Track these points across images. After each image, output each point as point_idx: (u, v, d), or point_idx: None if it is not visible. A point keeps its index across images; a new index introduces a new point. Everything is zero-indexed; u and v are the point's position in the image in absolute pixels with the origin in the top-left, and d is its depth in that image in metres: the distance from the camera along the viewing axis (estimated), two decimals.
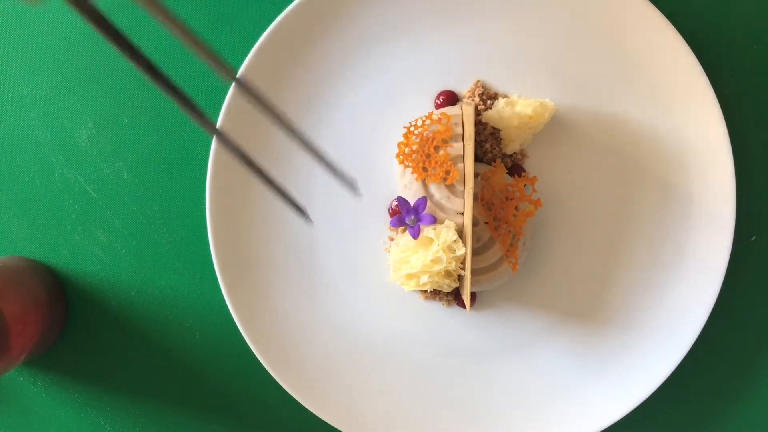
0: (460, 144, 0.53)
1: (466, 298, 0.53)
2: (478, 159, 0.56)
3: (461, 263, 0.52)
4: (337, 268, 0.58)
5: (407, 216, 0.53)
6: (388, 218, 0.58)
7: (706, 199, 0.56)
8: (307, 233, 0.58)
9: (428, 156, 0.53)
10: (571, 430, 0.56)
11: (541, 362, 0.57)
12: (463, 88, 0.57)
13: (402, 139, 0.54)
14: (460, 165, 0.53)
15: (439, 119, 0.53)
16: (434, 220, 0.53)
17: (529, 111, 0.54)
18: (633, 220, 0.57)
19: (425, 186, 0.54)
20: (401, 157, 0.53)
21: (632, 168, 0.57)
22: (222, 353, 0.60)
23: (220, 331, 0.60)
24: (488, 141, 0.55)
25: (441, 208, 0.54)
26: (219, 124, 0.56)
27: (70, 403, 0.61)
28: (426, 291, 0.57)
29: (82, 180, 0.60)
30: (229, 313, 0.58)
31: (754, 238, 0.59)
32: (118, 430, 0.61)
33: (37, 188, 0.60)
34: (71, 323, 0.60)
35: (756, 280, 0.59)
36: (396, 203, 0.55)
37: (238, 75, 0.55)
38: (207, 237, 0.60)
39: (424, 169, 0.53)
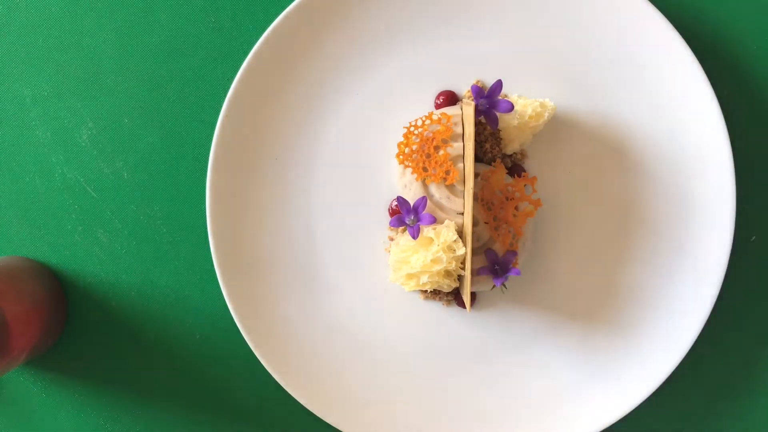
0: (460, 144, 0.53)
1: (466, 298, 0.53)
2: (478, 159, 0.55)
3: (461, 263, 0.52)
4: (337, 268, 0.58)
5: (407, 216, 0.53)
6: (388, 218, 0.58)
7: (706, 199, 0.56)
8: (307, 233, 0.58)
9: (428, 156, 0.53)
10: (571, 430, 0.56)
11: (541, 362, 0.57)
12: (463, 88, 0.57)
13: (402, 139, 0.54)
14: (460, 165, 0.53)
15: (439, 119, 0.53)
16: (434, 220, 0.52)
17: (529, 111, 0.54)
18: (633, 220, 0.57)
19: (425, 186, 0.54)
20: (401, 157, 0.53)
21: (632, 168, 0.57)
22: (222, 353, 0.60)
23: (220, 331, 0.60)
24: (488, 141, 0.55)
25: (441, 208, 0.54)
26: (219, 123, 0.56)
27: (70, 403, 0.61)
28: (426, 291, 0.57)
29: (82, 180, 0.60)
30: (229, 313, 0.58)
31: (753, 238, 0.59)
32: (118, 430, 0.61)
33: (37, 188, 0.60)
34: (71, 323, 0.60)
35: (756, 280, 0.59)
36: (396, 203, 0.55)
37: (238, 75, 0.55)
38: (207, 237, 0.60)
39: (424, 169, 0.53)
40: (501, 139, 0.56)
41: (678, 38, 0.55)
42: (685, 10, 0.58)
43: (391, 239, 0.58)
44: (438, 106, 0.57)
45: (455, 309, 0.58)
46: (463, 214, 0.53)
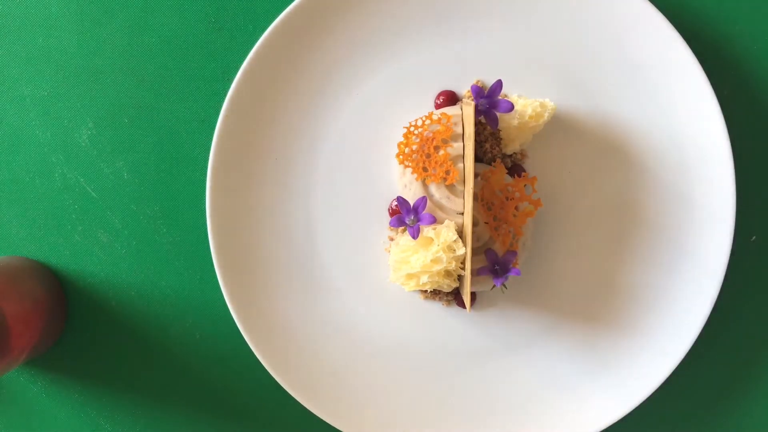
0: (460, 144, 0.53)
1: (466, 298, 0.53)
2: (478, 159, 0.56)
3: (461, 263, 0.52)
4: (337, 268, 0.58)
5: (407, 216, 0.53)
6: (388, 218, 0.58)
7: (706, 199, 0.56)
8: (307, 233, 0.58)
9: (428, 156, 0.53)
10: (571, 430, 0.56)
11: (541, 362, 0.57)
12: (463, 88, 0.57)
13: (402, 139, 0.54)
14: (460, 165, 0.53)
15: (439, 119, 0.53)
16: (434, 220, 0.52)
17: (529, 111, 0.54)
18: (633, 220, 0.57)
19: (425, 186, 0.54)
20: (401, 157, 0.53)
21: (632, 168, 0.57)
22: (222, 353, 0.60)
23: (220, 331, 0.60)
24: (488, 141, 0.55)
25: (441, 208, 0.54)
26: (219, 123, 0.56)
27: (70, 403, 0.61)
28: (426, 291, 0.57)
29: (82, 180, 0.60)
30: (229, 313, 0.58)
31: (754, 238, 0.59)
32: (118, 430, 0.61)
33: (37, 188, 0.60)
34: (71, 323, 0.60)
35: (756, 280, 0.59)
36: (396, 203, 0.55)
37: (238, 75, 0.55)
38: (207, 237, 0.60)
39: (424, 169, 0.53)
40: (501, 139, 0.56)
41: (678, 38, 0.55)
42: (685, 10, 0.59)
43: (391, 239, 0.58)
44: (438, 106, 0.57)
45: (455, 309, 0.58)
46: (463, 214, 0.53)
